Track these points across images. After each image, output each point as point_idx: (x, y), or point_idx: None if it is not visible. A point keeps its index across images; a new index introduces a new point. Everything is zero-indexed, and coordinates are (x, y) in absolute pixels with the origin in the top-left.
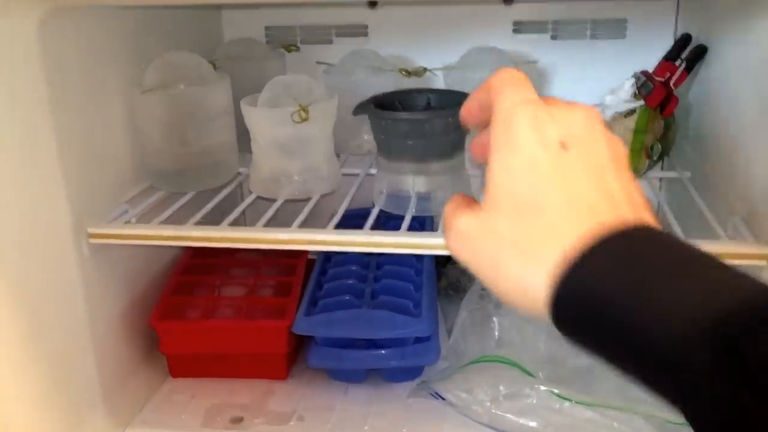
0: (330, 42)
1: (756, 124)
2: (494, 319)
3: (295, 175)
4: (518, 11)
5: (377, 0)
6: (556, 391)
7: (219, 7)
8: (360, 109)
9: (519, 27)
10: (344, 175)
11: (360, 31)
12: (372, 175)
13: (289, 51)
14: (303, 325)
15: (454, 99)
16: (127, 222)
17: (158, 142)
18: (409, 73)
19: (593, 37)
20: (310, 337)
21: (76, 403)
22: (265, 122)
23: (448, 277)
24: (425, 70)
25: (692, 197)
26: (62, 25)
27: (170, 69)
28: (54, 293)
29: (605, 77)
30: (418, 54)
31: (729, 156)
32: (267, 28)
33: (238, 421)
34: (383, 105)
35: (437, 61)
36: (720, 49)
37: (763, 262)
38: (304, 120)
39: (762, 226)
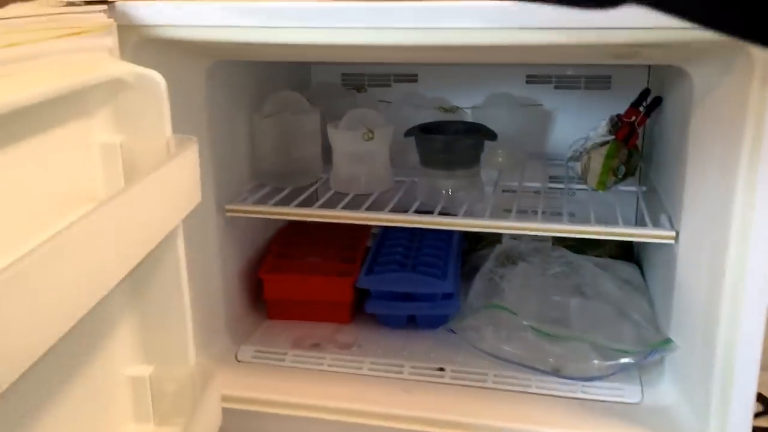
0: (389, 85)
1: (676, 155)
2: (501, 286)
3: (362, 177)
4: (531, 68)
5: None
6: (535, 326)
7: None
8: (409, 132)
9: (530, 79)
10: (396, 180)
11: (411, 78)
12: (415, 181)
13: (360, 92)
14: (364, 281)
15: (474, 128)
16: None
17: (269, 153)
18: (445, 110)
19: (586, 88)
20: (368, 294)
21: (208, 327)
22: (344, 140)
23: (470, 263)
24: (457, 108)
25: (641, 203)
26: (217, 71)
27: (280, 102)
28: (203, 250)
29: (594, 118)
30: (454, 96)
31: (664, 175)
32: (343, 75)
33: (316, 345)
34: (426, 130)
35: (468, 101)
36: (668, 100)
37: (671, 240)
38: (370, 139)
39: (675, 220)
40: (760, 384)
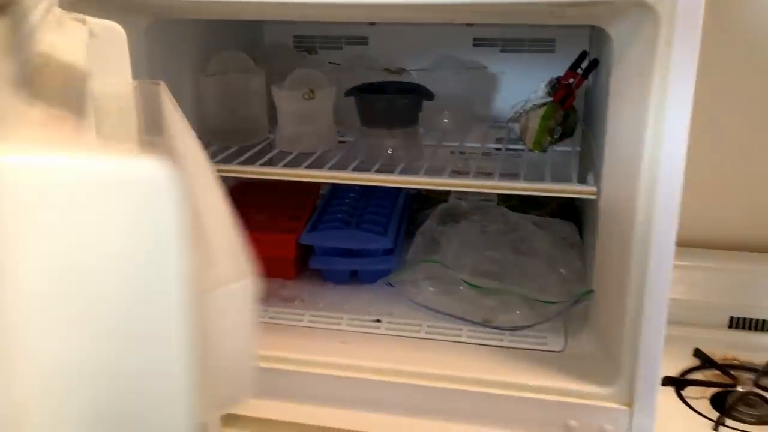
0: (340, 48)
1: (602, 113)
2: (440, 242)
3: (305, 136)
4: (477, 31)
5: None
6: (468, 280)
7: (262, 22)
8: (349, 92)
9: (477, 42)
10: (340, 141)
11: (362, 41)
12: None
13: (311, 54)
14: (306, 238)
15: (412, 88)
16: None
17: (214, 112)
18: (391, 72)
19: (531, 51)
20: (313, 251)
21: None
22: (286, 99)
23: (417, 221)
24: (404, 70)
25: (573, 162)
26: (159, 29)
27: (226, 62)
28: None
29: (538, 81)
30: (403, 58)
31: (596, 134)
32: (295, 37)
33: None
34: (365, 90)
35: (417, 64)
36: (602, 62)
37: (592, 196)
38: (311, 98)
39: (599, 178)
40: (698, 340)
